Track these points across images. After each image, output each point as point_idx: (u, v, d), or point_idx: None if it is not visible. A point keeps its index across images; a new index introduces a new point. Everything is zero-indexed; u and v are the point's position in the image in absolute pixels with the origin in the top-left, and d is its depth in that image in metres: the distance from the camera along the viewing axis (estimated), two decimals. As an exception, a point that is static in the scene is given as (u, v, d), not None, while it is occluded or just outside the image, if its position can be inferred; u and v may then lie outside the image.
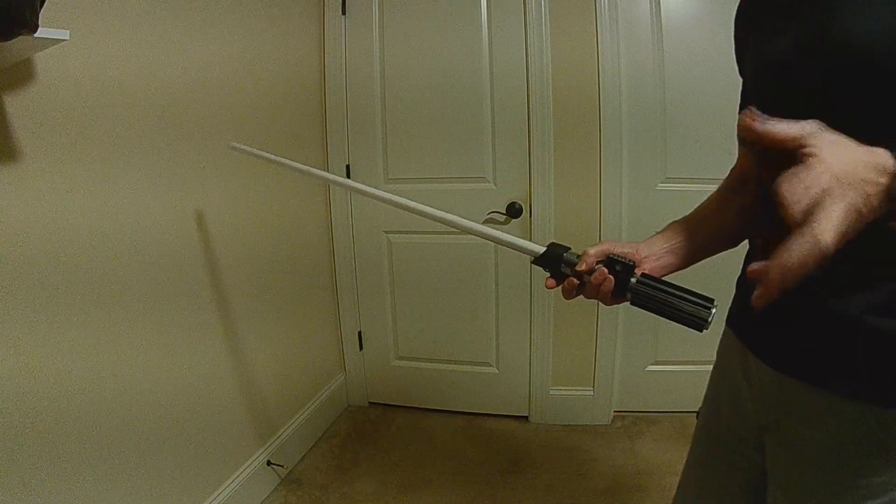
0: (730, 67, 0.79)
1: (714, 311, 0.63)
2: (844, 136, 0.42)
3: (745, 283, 0.75)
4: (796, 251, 0.38)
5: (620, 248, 0.71)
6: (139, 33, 1.24)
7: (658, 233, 0.78)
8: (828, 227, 0.37)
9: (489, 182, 2.08)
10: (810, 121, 0.42)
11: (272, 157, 1.13)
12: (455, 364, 2.26)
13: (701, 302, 0.63)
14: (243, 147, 1.22)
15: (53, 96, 1.04)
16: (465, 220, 0.80)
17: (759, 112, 0.43)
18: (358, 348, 2.34)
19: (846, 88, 0.48)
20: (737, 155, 0.79)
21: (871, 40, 0.49)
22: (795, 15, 0.59)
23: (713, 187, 0.80)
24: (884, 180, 0.40)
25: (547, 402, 2.17)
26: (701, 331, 0.64)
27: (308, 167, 1.05)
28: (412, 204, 0.85)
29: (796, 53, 0.58)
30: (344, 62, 2.12)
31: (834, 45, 0.53)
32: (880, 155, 0.41)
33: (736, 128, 0.77)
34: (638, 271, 0.69)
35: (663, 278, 0.69)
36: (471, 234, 0.81)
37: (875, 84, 0.50)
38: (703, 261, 0.78)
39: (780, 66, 0.61)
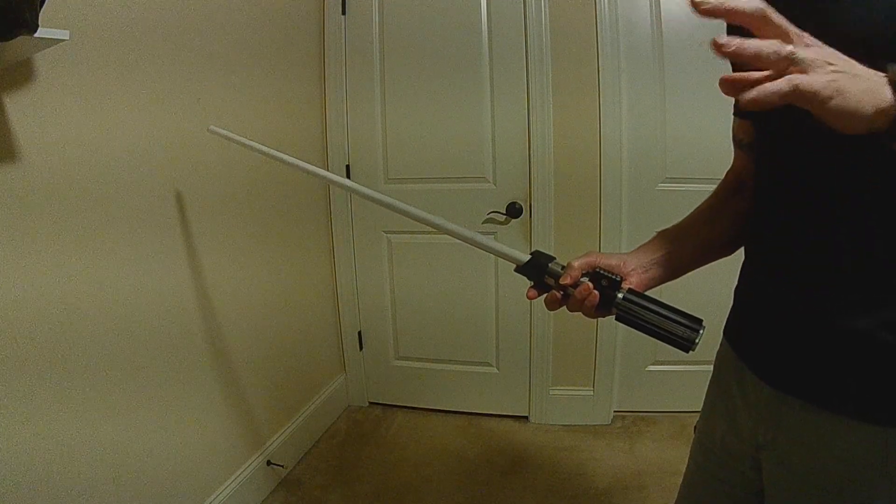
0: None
1: (702, 332, 0.61)
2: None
3: (743, 294, 0.72)
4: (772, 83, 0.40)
5: (607, 261, 0.69)
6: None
7: (645, 243, 0.75)
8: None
9: (489, 182, 2.08)
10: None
11: (254, 144, 1.07)
12: (455, 364, 2.26)
13: (688, 323, 0.62)
14: (222, 131, 1.18)
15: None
16: (450, 223, 0.77)
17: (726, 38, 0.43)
18: (358, 348, 2.34)
19: None
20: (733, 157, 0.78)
21: (874, 29, 0.49)
22: (792, 6, 0.58)
23: (713, 187, 0.78)
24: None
25: (547, 402, 2.17)
26: (687, 352, 0.63)
27: (295, 159, 0.97)
28: (392, 201, 0.82)
29: None
30: (344, 61, 2.12)
31: (835, 35, 0.51)
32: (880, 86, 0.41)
33: (731, 131, 0.76)
34: (625, 286, 0.66)
35: (650, 292, 0.67)
36: (454, 237, 0.77)
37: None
38: (701, 269, 0.75)
39: None
